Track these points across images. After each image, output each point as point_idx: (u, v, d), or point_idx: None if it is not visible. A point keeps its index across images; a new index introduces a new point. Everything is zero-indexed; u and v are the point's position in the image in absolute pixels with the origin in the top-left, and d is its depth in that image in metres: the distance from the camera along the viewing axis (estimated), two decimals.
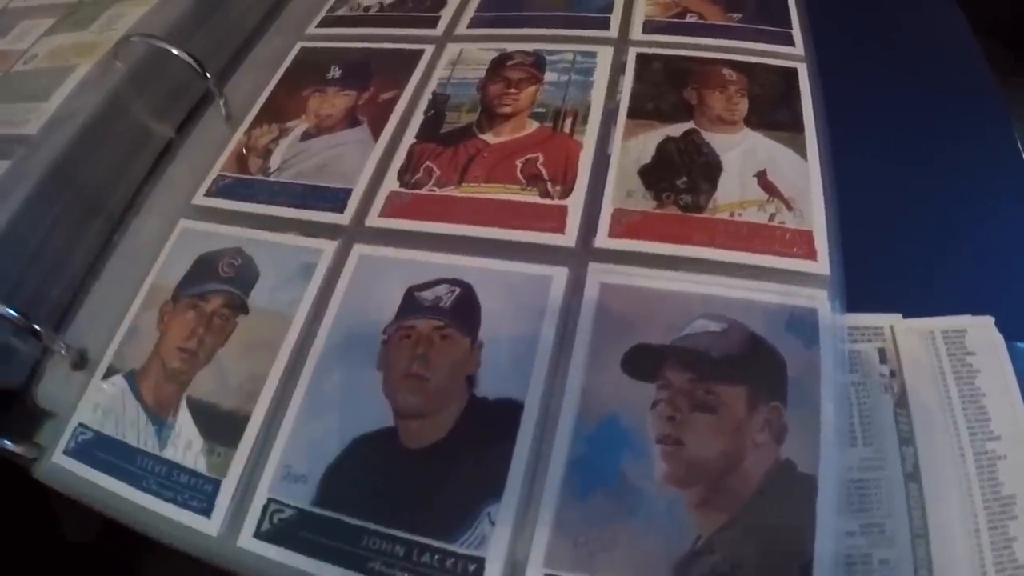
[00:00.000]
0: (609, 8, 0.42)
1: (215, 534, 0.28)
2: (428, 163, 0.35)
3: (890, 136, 0.37)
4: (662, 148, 0.34)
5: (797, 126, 0.34)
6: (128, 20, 0.45)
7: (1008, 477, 0.28)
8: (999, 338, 0.31)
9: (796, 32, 0.39)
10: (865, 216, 0.33)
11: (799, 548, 0.25)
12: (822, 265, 0.30)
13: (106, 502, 0.31)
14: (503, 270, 0.31)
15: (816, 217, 0.31)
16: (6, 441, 0.33)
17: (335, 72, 0.42)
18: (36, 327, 0.34)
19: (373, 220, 0.35)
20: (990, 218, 0.35)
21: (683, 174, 0.33)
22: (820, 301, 0.30)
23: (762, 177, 0.33)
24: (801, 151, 0.34)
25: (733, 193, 0.32)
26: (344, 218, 0.35)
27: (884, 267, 0.32)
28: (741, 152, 0.34)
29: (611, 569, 0.25)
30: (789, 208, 0.32)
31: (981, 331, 0.32)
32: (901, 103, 0.39)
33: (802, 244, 0.31)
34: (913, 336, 0.31)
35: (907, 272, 0.33)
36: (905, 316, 0.32)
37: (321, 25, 0.46)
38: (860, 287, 0.31)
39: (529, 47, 0.40)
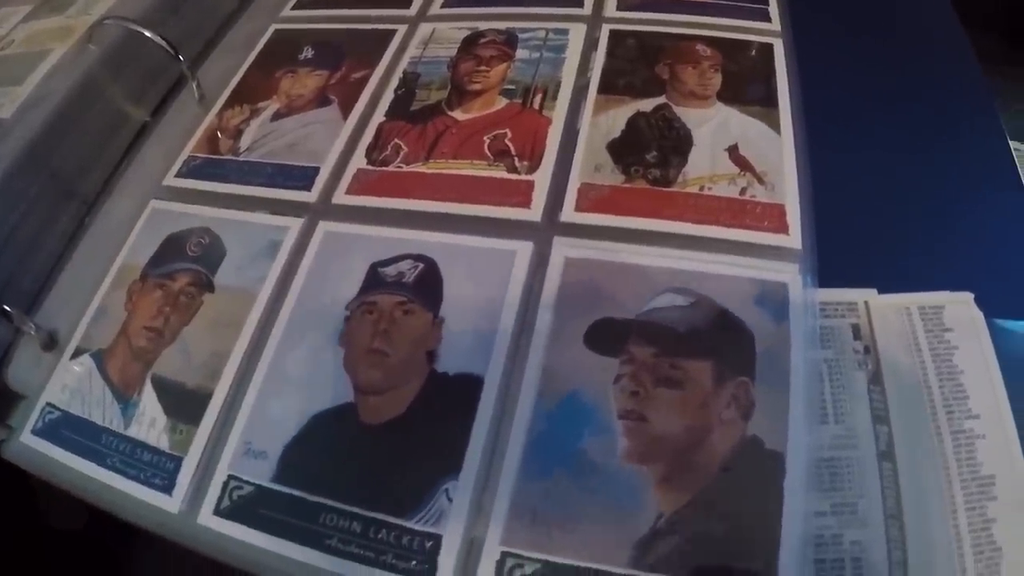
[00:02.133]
0: None
1: (176, 511, 0.28)
2: (396, 140, 0.35)
3: (868, 112, 0.36)
4: (632, 123, 0.33)
5: (771, 101, 0.34)
6: (104, 4, 0.45)
7: (987, 457, 0.28)
8: (979, 315, 0.31)
9: (773, 7, 0.38)
10: (841, 191, 0.32)
11: (766, 528, 0.24)
12: (794, 239, 0.30)
13: (73, 481, 0.30)
14: (467, 245, 0.31)
15: (789, 191, 0.31)
16: None
17: (307, 53, 0.42)
18: (6, 308, 0.34)
19: (340, 197, 0.34)
20: (970, 193, 0.35)
21: (653, 148, 0.32)
22: (791, 275, 0.29)
23: (734, 151, 0.32)
24: (775, 126, 0.33)
25: (704, 167, 0.32)
26: (311, 196, 0.35)
27: (859, 242, 0.31)
28: (713, 126, 0.33)
29: (570, 548, 0.25)
30: (761, 182, 0.31)
31: (960, 308, 0.31)
32: (879, 80, 0.38)
33: (773, 218, 0.30)
34: (889, 312, 0.30)
35: (883, 247, 0.32)
36: (880, 292, 0.31)
37: (296, 7, 0.46)
38: (835, 262, 0.30)
39: (502, 25, 0.40)
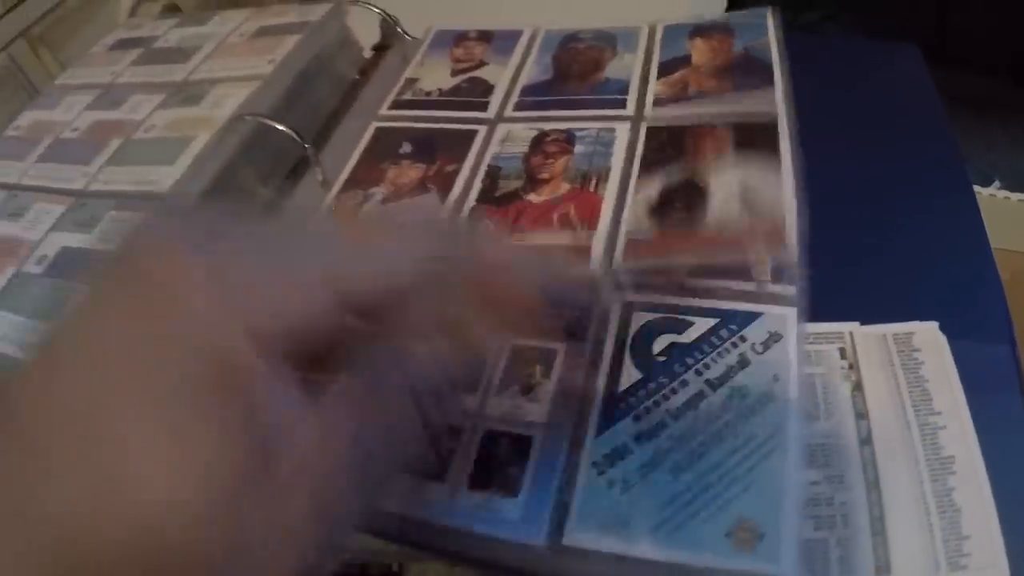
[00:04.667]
0: (626, 90, 0.52)
1: None
2: (486, 220, 0.46)
3: (848, 173, 0.47)
4: (664, 191, 0.44)
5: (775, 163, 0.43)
6: (233, 100, 0.55)
7: (947, 442, 0.35)
8: (942, 338, 0.39)
9: (777, 93, 0.48)
10: (828, 236, 0.40)
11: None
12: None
13: None
14: None
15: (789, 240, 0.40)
16: None
17: (406, 148, 0.52)
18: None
19: None
20: (936, 241, 0.44)
21: (681, 208, 0.43)
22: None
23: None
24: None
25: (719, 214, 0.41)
26: None
27: (844, 281, 0.41)
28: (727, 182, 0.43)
29: None
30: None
31: (927, 334, 0.40)
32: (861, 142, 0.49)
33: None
34: (869, 339, 0.40)
35: (864, 285, 0.42)
36: (862, 324, 0.41)
37: (392, 107, 0.57)
38: (823, 300, 0.39)
39: (562, 126, 0.50)
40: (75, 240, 0.49)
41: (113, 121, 0.59)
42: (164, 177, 0.51)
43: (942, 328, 0.40)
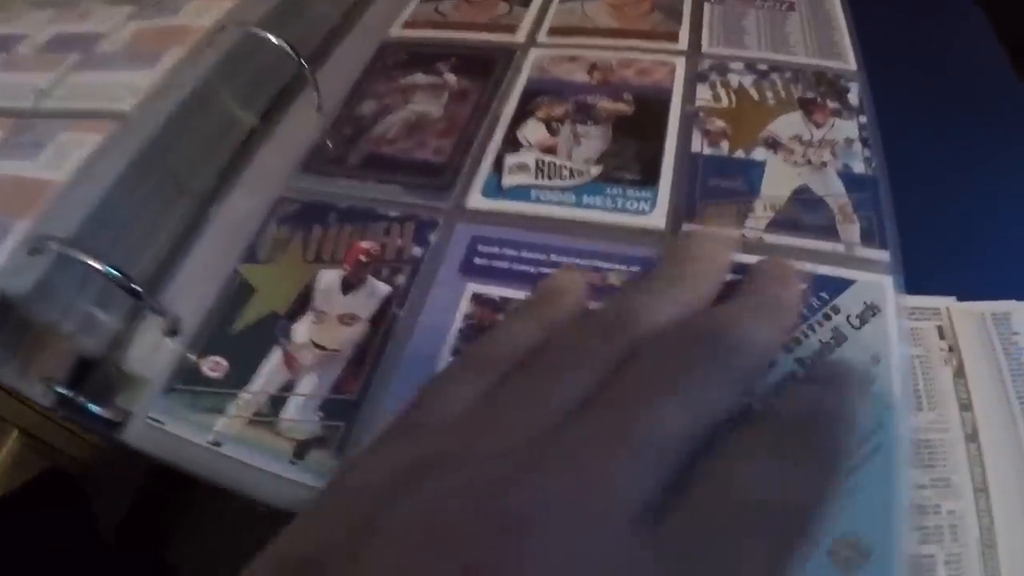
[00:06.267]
0: None
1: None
2: None
3: (935, 138, 0.41)
4: None
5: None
6: (215, 12, 0.47)
7: None
8: None
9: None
10: (919, 210, 0.36)
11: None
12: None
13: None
14: None
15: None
16: (93, 406, 0.34)
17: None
18: (136, 287, 0.35)
19: None
20: None
21: None
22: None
23: None
24: None
25: None
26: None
27: (934, 250, 0.35)
28: None
29: None
30: None
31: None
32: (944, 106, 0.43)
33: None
34: (967, 317, 0.35)
35: (957, 256, 0.36)
36: (959, 299, 0.35)
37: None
38: (910, 270, 0.34)
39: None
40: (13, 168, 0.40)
41: (74, 35, 0.49)
42: (128, 95, 0.42)
43: None
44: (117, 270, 0.35)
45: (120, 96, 0.42)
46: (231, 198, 0.42)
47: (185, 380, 0.34)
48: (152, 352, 0.37)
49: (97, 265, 0.34)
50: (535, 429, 0.19)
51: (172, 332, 0.37)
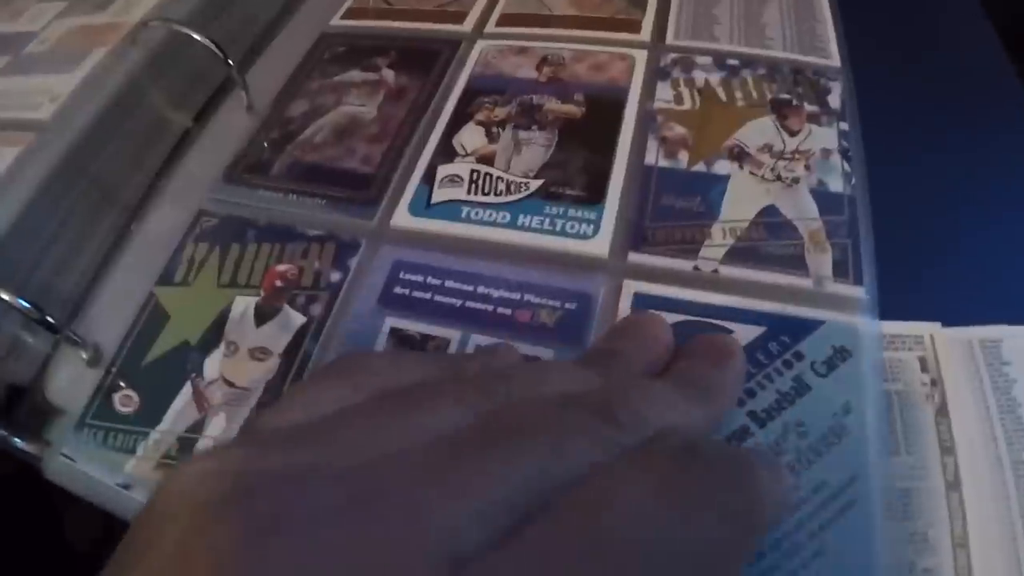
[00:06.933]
0: None
1: None
2: None
3: (922, 147, 0.37)
4: None
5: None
6: (144, 6, 0.44)
7: None
8: None
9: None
10: (902, 226, 0.32)
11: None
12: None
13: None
14: None
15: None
16: (16, 440, 0.32)
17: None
18: (50, 319, 0.33)
19: None
20: None
21: None
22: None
23: None
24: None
25: None
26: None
27: (924, 276, 0.32)
28: None
29: None
30: None
31: (1017, 341, 0.32)
32: (933, 111, 0.39)
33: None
34: (953, 345, 0.31)
35: (946, 281, 0.33)
36: (944, 325, 0.32)
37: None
38: (894, 295, 0.31)
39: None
40: None
41: (5, 35, 0.46)
42: (47, 102, 0.39)
43: None
44: (30, 303, 0.32)
45: (38, 103, 0.39)
46: (156, 210, 0.39)
47: (96, 415, 0.31)
48: (73, 382, 0.34)
49: (7, 297, 0.31)
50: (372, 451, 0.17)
51: (94, 362, 0.35)
